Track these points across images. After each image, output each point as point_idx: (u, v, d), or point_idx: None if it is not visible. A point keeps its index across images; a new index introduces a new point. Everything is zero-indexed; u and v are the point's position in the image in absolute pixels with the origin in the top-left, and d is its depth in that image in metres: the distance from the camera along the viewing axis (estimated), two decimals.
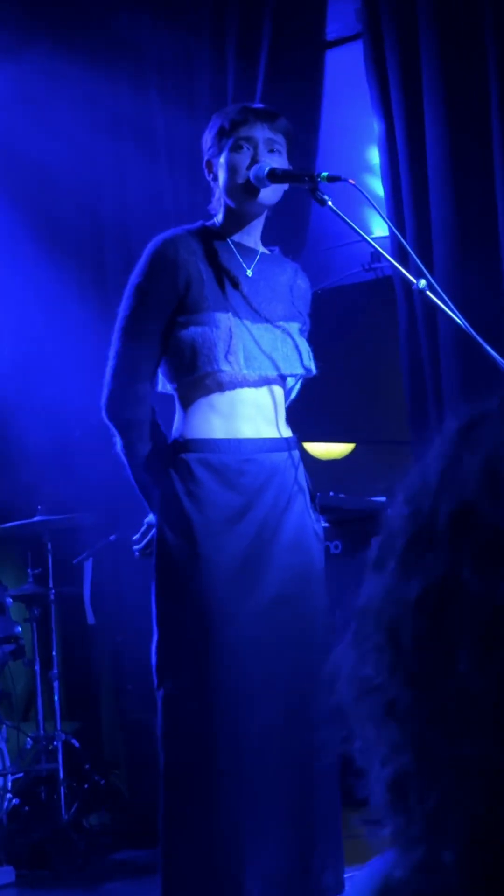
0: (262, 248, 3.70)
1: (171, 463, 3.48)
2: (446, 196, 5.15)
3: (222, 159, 3.58)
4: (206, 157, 3.67)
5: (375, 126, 5.43)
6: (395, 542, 1.11)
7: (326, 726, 1.18)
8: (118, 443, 3.59)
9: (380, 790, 1.09)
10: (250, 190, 3.53)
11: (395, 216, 5.21)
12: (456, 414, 1.15)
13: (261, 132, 3.55)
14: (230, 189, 3.57)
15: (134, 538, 3.73)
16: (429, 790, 1.04)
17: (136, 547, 3.71)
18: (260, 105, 3.74)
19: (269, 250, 3.74)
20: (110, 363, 3.57)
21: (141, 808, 5.66)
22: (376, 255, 6.07)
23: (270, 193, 3.56)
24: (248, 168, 3.52)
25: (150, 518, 3.66)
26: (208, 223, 3.69)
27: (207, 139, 3.67)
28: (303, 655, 3.40)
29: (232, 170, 3.54)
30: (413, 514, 1.10)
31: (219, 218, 3.66)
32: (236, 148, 3.55)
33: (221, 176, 3.59)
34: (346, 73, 5.80)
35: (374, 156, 5.64)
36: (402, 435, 5.98)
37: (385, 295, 5.65)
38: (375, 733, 1.09)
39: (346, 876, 3.43)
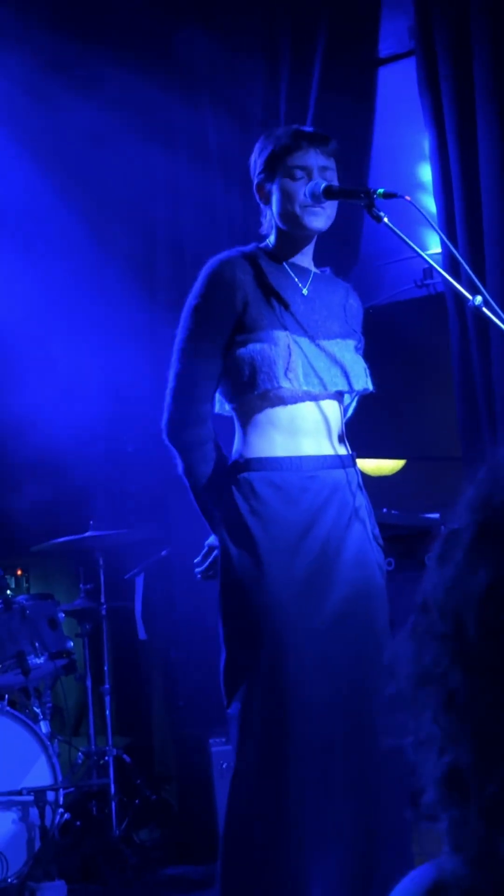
0: (314, 269, 3.71)
1: (233, 482, 3.49)
2: (499, 212, 5.13)
3: (276, 185, 3.58)
4: (256, 181, 3.67)
5: (427, 143, 5.43)
6: (462, 535, 1.12)
7: (385, 724, 1.18)
8: (179, 465, 3.60)
9: (435, 783, 1.09)
10: (304, 216, 3.53)
11: (448, 233, 5.20)
12: (495, 435, 1.16)
13: (314, 159, 3.55)
14: (285, 216, 3.58)
15: (195, 560, 3.73)
16: (487, 782, 1.04)
17: (197, 570, 3.71)
18: (310, 129, 3.73)
19: (321, 270, 3.75)
20: (170, 385, 3.58)
21: (191, 824, 5.67)
22: (429, 272, 6.06)
23: (324, 219, 3.57)
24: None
25: (212, 540, 3.66)
26: (261, 245, 3.70)
27: (258, 163, 3.67)
28: (367, 671, 3.40)
29: (287, 197, 3.55)
30: (482, 506, 1.11)
31: (271, 240, 3.67)
32: (291, 175, 3.55)
33: (275, 201, 3.60)
34: (399, 90, 5.81)
35: (426, 173, 5.63)
36: (454, 451, 5.96)
37: (438, 311, 5.64)
38: (433, 724, 1.09)
39: None
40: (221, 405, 3.64)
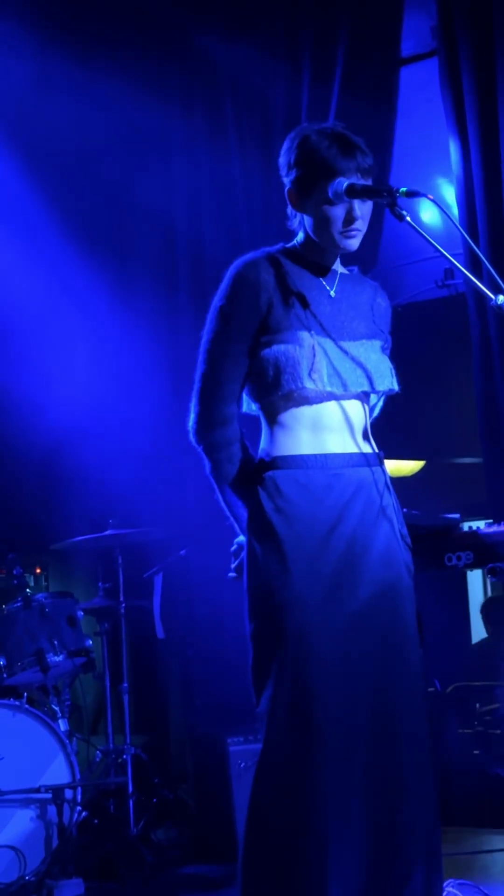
0: (341, 269, 3.70)
1: (258, 481, 3.49)
2: None
3: (314, 201, 3.54)
4: (288, 186, 3.62)
5: (449, 142, 5.42)
6: None
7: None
8: (207, 465, 3.59)
9: None
10: (340, 238, 3.51)
11: (470, 232, 5.19)
12: None
13: (355, 180, 3.51)
14: (320, 236, 3.55)
15: (233, 566, 3.73)
16: None
17: (231, 571, 3.71)
18: (352, 140, 3.64)
19: (349, 270, 3.73)
20: (196, 386, 3.58)
21: (208, 823, 5.67)
22: (450, 272, 6.06)
23: (359, 239, 3.54)
24: (346, 222, 3.50)
25: (241, 539, 3.66)
26: (288, 245, 3.68)
27: (292, 167, 3.59)
28: (393, 671, 3.39)
29: (326, 220, 3.52)
30: None
31: (300, 239, 3.65)
32: (331, 202, 3.51)
33: (310, 216, 3.56)
34: (421, 90, 5.81)
35: (448, 172, 5.63)
36: (474, 453, 5.95)
37: (459, 311, 5.63)
38: None
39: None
40: (248, 405, 3.64)
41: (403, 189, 3.37)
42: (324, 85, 5.85)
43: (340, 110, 5.70)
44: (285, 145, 3.61)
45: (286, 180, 3.59)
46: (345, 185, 3.45)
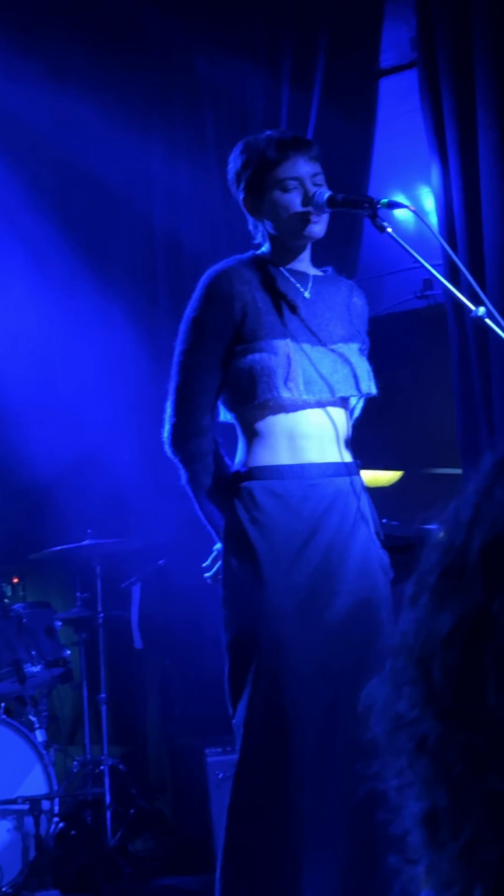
0: (314, 271, 3.70)
1: (234, 492, 3.48)
2: (500, 223, 5.14)
3: (267, 198, 3.56)
4: (242, 196, 3.63)
5: (430, 152, 5.43)
6: (428, 577, 1.11)
7: (369, 762, 1.18)
8: (183, 475, 3.59)
9: (414, 827, 1.09)
10: (303, 226, 3.53)
11: (449, 244, 5.20)
12: (494, 449, 1.16)
13: (304, 167, 3.54)
14: (282, 227, 3.56)
15: (204, 564, 3.73)
16: (461, 826, 1.03)
17: (207, 574, 3.71)
18: (290, 135, 3.70)
19: (322, 271, 3.73)
20: (171, 397, 3.58)
21: (185, 834, 5.65)
22: (428, 283, 6.07)
23: (323, 226, 3.56)
24: (304, 204, 3.52)
25: (220, 546, 3.66)
26: (259, 252, 3.69)
27: (241, 175, 3.62)
28: (368, 681, 3.39)
29: (284, 209, 3.53)
30: (446, 547, 1.11)
31: (266, 249, 3.66)
32: (283, 188, 3.53)
33: (269, 214, 3.58)
34: (401, 101, 5.81)
35: (427, 183, 5.64)
36: (453, 463, 5.95)
37: (438, 322, 5.64)
38: (408, 768, 1.09)
39: None
40: (224, 414, 3.64)
41: (385, 200, 3.39)
42: (304, 94, 5.85)
43: (320, 119, 5.71)
44: (230, 164, 3.64)
45: (239, 194, 3.60)
46: (326, 196, 3.47)
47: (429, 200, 5.64)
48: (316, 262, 3.76)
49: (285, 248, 3.62)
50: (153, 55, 6.50)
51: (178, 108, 6.42)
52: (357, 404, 3.71)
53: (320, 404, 3.51)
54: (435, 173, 5.40)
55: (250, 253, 3.68)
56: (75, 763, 5.78)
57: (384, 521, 3.78)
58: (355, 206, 3.50)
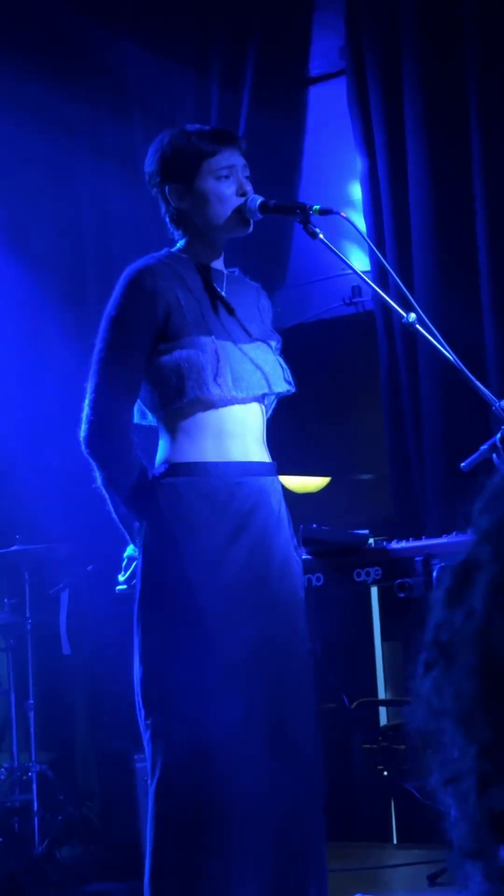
0: (226, 270, 3.67)
1: (158, 488, 3.44)
2: (427, 230, 5.19)
3: (197, 188, 3.53)
4: (167, 187, 3.57)
5: (358, 161, 5.47)
6: (479, 577, 1.10)
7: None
8: (99, 477, 3.51)
9: (473, 823, 1.07)
10: (242, 219, 3.51)
11: (378, 250, 5.24)
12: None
13: (236, 158, 3.54)
14: (215, 217, 3.53)
15: (119, 576, 3.68)
16: None
17: (122, 583, 3.65)
18: (221, 128, 3.71)
19: (230, 272, 3.70)
20: (89, 396, 3.49)
21: (114, 840, 5.63)
22: (357, 290, 6.09)
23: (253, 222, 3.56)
24: (240, 195, 3.51)
25: (130, 551, 3.61)
26: (173, 249, 3.64)
27: (165, 163, 3.57)
28: (290, 685, 3.39)
29: (218, 199, 3.51)
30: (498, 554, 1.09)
31: (182, 245, 3.62)
32: (217, 177, 3.52)
33: (198, 205, 3.54)
34: (330, 109, 5.85)
35: (356, 191, 5.67)
36: (380, 469, 5.99)
37: (366, 329, 5.67)
38: (473, 762, 1.08)
39: None
40: (143, 415, 3.58)
41: (317, 207, 3.40)
42: (233, 101, 5.87)
43: (250, 126, 5.72)
44: (147, 160, 3.61)
45: (159, 187, 3.57)
46: (258, 202, 3.47)
47: (357, 207, 5.66)
48: (245, 268, 3.75)
49: (206, 243, 3.58)
50: (82, 61, 6.48)
51: (107, 110, 6.41)
52: (272, 404, 3.68)
53: (245, 400, 3.48)
54: (363, 179, 5.44)
55: (165, 250, 3.64)
56: (2, 770, 5.74)
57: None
58: (287, 213, 3.50)
